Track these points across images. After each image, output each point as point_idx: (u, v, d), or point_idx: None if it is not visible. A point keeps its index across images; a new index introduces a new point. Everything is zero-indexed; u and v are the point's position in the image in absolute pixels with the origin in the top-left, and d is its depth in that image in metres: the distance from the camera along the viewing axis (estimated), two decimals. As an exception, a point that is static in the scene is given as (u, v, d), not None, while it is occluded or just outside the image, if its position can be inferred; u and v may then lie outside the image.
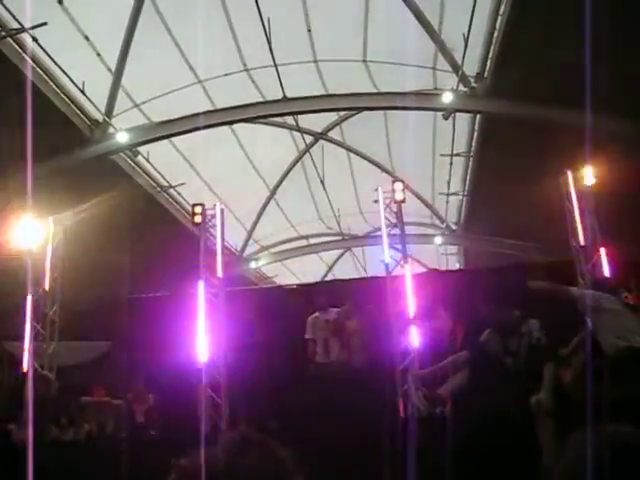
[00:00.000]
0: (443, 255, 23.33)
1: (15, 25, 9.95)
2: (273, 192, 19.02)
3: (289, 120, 15.92)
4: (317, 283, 14.04)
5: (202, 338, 9.37)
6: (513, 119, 12.63)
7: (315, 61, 13.55)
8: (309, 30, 12.65)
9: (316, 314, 9.60)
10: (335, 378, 9.28)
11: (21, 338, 10.29)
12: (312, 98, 13.63)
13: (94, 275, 12.73)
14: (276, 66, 11.97)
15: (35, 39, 10.21)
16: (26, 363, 10.03)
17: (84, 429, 8.85)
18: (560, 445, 1.63)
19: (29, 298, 10.36)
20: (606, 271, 9.27)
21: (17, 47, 10.24)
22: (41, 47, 10.43)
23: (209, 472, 1.24)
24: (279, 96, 13.00)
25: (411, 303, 8.77)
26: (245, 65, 13.30)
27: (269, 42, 11.33)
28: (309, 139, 17.39)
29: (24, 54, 10.30)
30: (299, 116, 15.39)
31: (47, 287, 10.63)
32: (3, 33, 9.88)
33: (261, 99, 13.71)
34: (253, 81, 13.62)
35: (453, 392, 6.00)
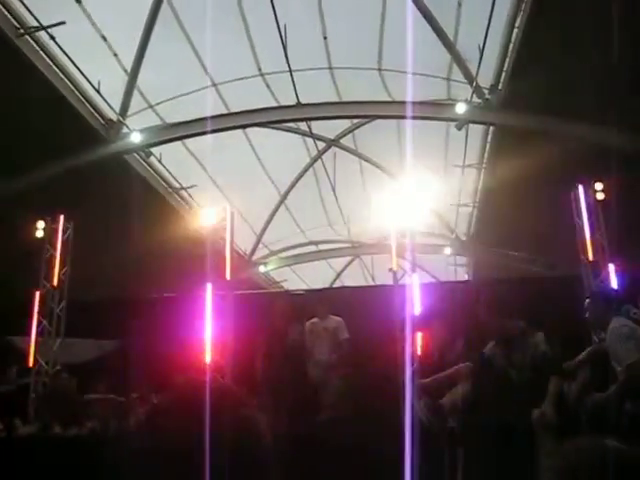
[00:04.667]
0: (452, 266, 23.27)
1: (34, 23, 10.06)
2: (284, 197, 19.06)
3: (302, 126, 15.97)
4: (323, 289, 14.02)
5: (208, 340, 9.40)
6: (526, 132, 12.63)
7: (330, 68, 13.59)
8: (325, 37, 12.69)
9: (314, 320, 9.47)
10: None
11: (28, 333, 10.36)
12: (325, 105, 13.66)
13: (102, 273, 12.78)
14: (291, 72, 12.02)
15: (53, 37, 10.30)
16: (31, 358, 10.09)
17: (87, 426, 8.87)
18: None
19: (37, 294, 10.43)
20: (614, 286, 9.23)
21: (35, 45, 10.33)
22: (58, 45, 10.52)
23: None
24: (293, 102, 13.05)
25: (416, 312, 8.76)
26: (260, 70, 13.35)
27: (284, 48, 11.38)
28: (321, 145, 17.42)
29: (41, 52, 10.40)
30: (312, 122, 15.44)
31: (55, 283, 10.69)
32: (21, 31, 9.97)
33: (275, 104, 13.76)
34: (267, 86, 13.67)
35: (455, 403, 5.98)
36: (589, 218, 10.17)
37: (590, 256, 9.97)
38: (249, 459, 1.34)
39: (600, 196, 10.29)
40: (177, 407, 1.38)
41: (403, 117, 13.70)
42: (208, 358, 9.16)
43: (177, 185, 15.80)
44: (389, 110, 13.44)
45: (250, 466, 1.33)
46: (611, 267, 9.70)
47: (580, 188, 10.35)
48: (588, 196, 10.32)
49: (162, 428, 1.33)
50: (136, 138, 12.74)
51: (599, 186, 10.34)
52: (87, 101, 12.02)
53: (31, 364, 10.17)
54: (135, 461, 1.36)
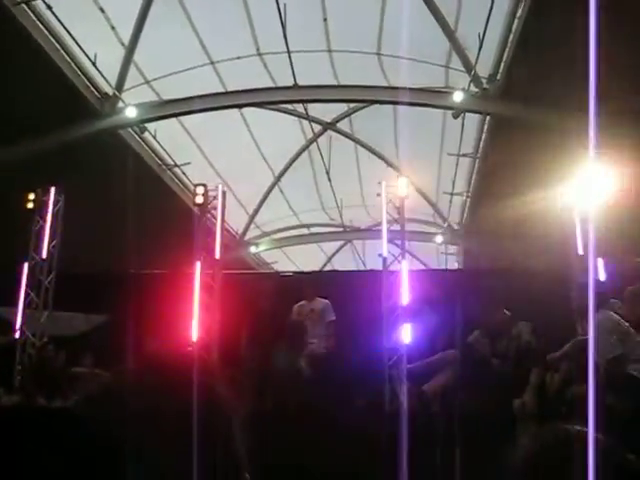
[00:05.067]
0: (443, 254, 23.31)
1: (30, -9, 9.96)
2: (278, 179, 19.01)
3: (299, 108, 15.90)
4: (312, 272, 14.04)
5: (196, 318, 9.41)
6: (523, 122, 12.62)
7: (329, 50, 13.50)
8: (325, 19, 12.60)
9: (302, 302, 9.48)
10: (315, 368, 9.17)
11: (15, 305, 10.33)
12: (323, 87, 13.62)
13: (93, 247, 12.75)
14: (289, 53, 11.95)
15: (49, 7, 10.19)
16: (18, 330, 10.08)
17: (72, 399, 8.87)
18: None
19: (26, 265, 10.40)
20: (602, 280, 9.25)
21: (31, 14, 10.23)
22: (55, 15, 10.41)
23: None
24: (290, 83, 12.99)
25: (404, 299, 8.78)
26: (258, 49, 13.25)
27: (284, 28, 11.30)
28: (317, 128, 17.36)
29: (37, 21, 10.30)
30: (309, 105, 15.37)
31: (44, 255, 10.65)
32: (18, -1, 9.88)
33: (272, 85, 13.70)
34: (265, 66, 13.58)
35: (438, 390, 6.03)
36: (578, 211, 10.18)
37: (580, 249, 9.99)
38: (212, 431, 1.35)
39: (593, 189, 10.27)
40: (139, 377, 1.38)
41: (400, 103, 13.67)
42: (195, 335, 9.17)
43: (170, 162, 15.74)
44: (386, 95, 13.40)
45: (213, 440, 1.34)
46: (600, 261, 9.73)
47: (573, 180, 10.34)
48: (579, 189, 10.31)
49: (121, 396, 1.34)
50: (131, 113, 12.66)
51: (592, 179, 10.31)
52: (83, 73, 11.93)
53: (18, 335, 10.15)
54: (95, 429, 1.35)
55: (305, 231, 22.86)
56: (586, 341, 5.93)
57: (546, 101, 11.51)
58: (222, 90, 13.54)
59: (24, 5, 9.99)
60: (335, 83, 13.98)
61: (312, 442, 6.54)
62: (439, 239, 21.09)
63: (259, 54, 13.35)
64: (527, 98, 11.80)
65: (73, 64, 11.58)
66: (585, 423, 1.59)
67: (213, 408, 1.33)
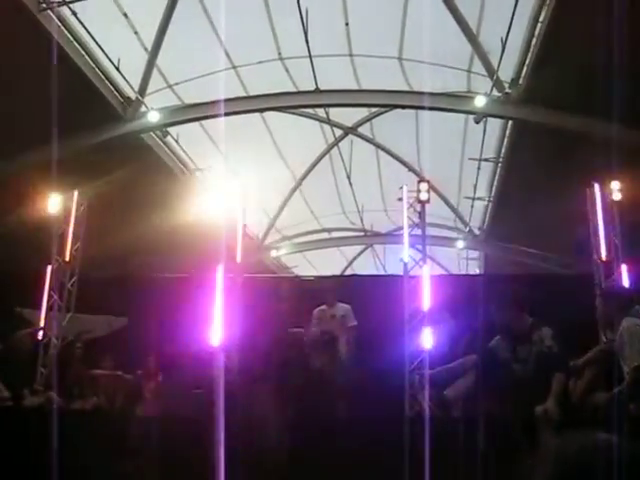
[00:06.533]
0: (464, 259, 23.23)
1: (56, -2, 10.09)
2: (299, 183, 19.05)
3: (320, 112, 15.94)
4: (332, 276, 13.99)
5: (217, 322, 9.40)
6: (545, 127, 12.54)
7: (350, 55, 13.52)
8: (347, 24, 12.61)
9: (323, 307, 9.41)
10: (336, 375, 9.12)
11: (38, 307, 10.42)
12: (344, 92, 13.65)
13: (115, 251, 12.84)
14: (311, 57, 11.98)
15: (74, 13, 10.32)
16: (41, 332, 10.15)
17: (92, 401, 8.94)
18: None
19: (49, 268, 10.47)
20: (626, 286, 9.13)
21: (56, 20, 10.35)
22: (79, 21, 10.54)
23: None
24: (312, 87, 13.02)
25: (426, 304, 8.72)
26: (280, 54, 13.30)
27: (305, 33, 11.34)
28: (339, 133, 17.38)
29: (62, 27, 10.42)
30: (330, 109, 15.39)
31: (67, 258, 10.72)
32: (44, 5, 10.00)
33: (294, 89, 13.73)
34: (287, 70, 13.63)
35: (459, 395, 5.99)
36: (604, 217, 10.04)
37: (603, 255, 9.86)
38: (257, 444, 1.35)
39: (616, 195, 10.16)
40: (185, 387, 1.38)
41: (422, 108, 13.64)
42: (216, 340, 9.17)
43: (192, 166, 15.83)
44: (408, 100, 13.39)
45: (257, 451, 1.34)
46: (624, 267, 9.60)
47: (596, 186, 10.22)
48: (604, 195, 10.19)
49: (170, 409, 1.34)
50: (154, 117, 12.77)
51: (616, 185, 10.20)
52: (106, 78, 12.05)
53: (41, 337, 10.23)
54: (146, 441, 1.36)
55: (326, 235, 22.87)
56: (611, 348, 5.86)
57: (569, 106, 11.44)
58: (244, 94, 13.61)
59: (49, 11, 10.11)
60: (357, 87, 14.01)
61: (335, 446, 6.54)
62: (460, 244, 21.01)
63: (281, 59, 13.40)
64: (550, 103, 11.73)
65: (97, 69, 11.71)
66: (609, 431, 1.57)
67: (234, 411, 1.33)
